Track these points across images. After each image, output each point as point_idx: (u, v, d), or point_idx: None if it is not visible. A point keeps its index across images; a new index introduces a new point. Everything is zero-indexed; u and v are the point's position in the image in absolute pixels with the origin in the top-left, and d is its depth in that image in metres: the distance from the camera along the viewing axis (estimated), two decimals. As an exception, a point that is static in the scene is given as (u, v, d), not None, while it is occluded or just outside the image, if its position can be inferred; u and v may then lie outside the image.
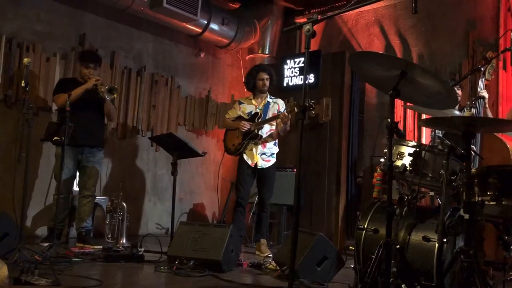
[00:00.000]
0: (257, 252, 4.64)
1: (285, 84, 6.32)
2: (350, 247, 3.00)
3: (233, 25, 6.47)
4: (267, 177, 4.67)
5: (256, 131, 4.61)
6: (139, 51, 5.99)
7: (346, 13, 6.34)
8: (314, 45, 6.71)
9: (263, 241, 4.68)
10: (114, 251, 3.94)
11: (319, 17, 2.46)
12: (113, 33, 5.72)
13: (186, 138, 6.05)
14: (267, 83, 4.71)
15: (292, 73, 6.33)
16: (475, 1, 5.47)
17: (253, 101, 4.79)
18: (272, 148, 4.71)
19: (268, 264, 3.80)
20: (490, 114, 4.11)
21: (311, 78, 6.04)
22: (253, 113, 4.72)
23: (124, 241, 4.43)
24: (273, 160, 4.70)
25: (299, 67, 6.32)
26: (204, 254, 3.52)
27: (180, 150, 4.21)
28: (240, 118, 4.74)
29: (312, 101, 4.19)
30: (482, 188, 2.24)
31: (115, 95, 4.51)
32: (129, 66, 5.84)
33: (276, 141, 4.77)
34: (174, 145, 4.23)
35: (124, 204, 4.57)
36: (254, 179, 4.71)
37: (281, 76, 6.32)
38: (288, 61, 6.35)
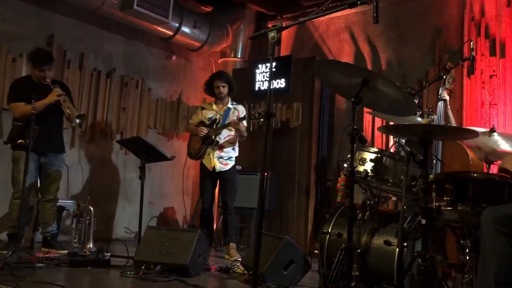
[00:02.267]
0: (226, 256, 4.65)
1: (256, 89, 6.35)
2: (315, 251, 3.04)
3: (205, 29, 6.47)
4: (227, 180, 4.76)
5: (213, 136, 4.72)
6: (109, 53, 5.93)
7: (317, 19, 6.42)
8: (285, 50, 6.79)
9: (232, 245, 4.70)
10: (80, 256, 3.87)
11: (284, 24, 2.50)
12: (82, 34, 5.64)
13: (157, 141, 6.06)
14: (223, 90, 4.80)
15: (264, 77, 6.36)
16: (441, 10, 5.62)
17: (214, 107, 4.90)
18: (230, 152, 4.81)
19: (236, 268, 3.81)
20: (452, 117, 4.23)
21: (283, 83, 6.09)
22: (213, 118, 4.83)
23: (91, 245, 4.38)
24: (231, 163, 4.79)
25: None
26: (171, 259, 3.50)
27: (148, 154, 4.18)
28: (202, 123, 4.85)
29: (262, 109, 4.46)
30: (439, 193, 2.30)
31: (82, 122, 4.42)
32: (99, 68, 5.77)
33: (236, 145, 4.87)
34: (142, 148, 4.21)
35: (91, 208, 4.52)
36: (216, 182, 4.85)
37: (253, 80, 6.35)
38: (260, 66, 6.38)
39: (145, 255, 3.58)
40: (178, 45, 6.53)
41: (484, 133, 2.94)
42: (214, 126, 4.77)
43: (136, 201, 6.02)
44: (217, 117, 4.81)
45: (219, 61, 6.93)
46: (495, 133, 2.93)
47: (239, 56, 6.83)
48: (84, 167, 5.67)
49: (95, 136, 5.74)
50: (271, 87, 2.42)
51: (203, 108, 5.01)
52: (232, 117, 4.75)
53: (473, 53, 3.69)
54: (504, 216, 2.00)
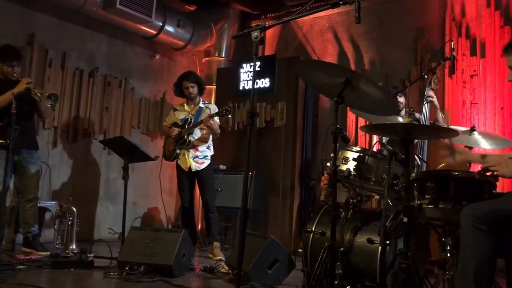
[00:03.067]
0: (210, 255, 4.65)
1: (241, 88, 6.34)
2: (299, 250, 3.05)
3: (189, 28, 6.45)
4: (204, 179, 4.80)
5: (186, 136, 4.74)
6: (91, 52, 5.87)
7: (301, 18, 6.44)
8: (270, 50, 6.80)
9: (216, 244, 4.70)
10: (62, 257, 3.83)
11: (267, 23, 2.50)
12: (64, 33, 5.58)
13: (140, 141, 6.02)
14: (193, 90, 4.83)
15: (248, 77, 6.34)
16: (423, 11, 5.68)
17: (186, 107, 4.93)
18: (205, 151, 4.84)
19: (220, 268, 3.81)
20: (441, 117, 4.28)
21: (267, 82, 6.09)
22: (185, 119, 4.86)
23: (74, 246, 4.34)
24: (207, 162, 4.82)
25: (256, 71, 6.36)
26: (155, 259, 3.49)
27: (131, 154, 4.15)
28: (175, 124, 4.88)
29: (229, 106, 4.60)
30: (421, 192, 2.33)
31: (55, 103, 4.30)
32: (81, 67, 5.71)
33: (210, 144, 4.91)
34: (125, 148, 4.18)
35: (74, 209, 4.48)
36: (193, 182, 4.87)
37: (237, 80, 6.34)
38: (244, 65, 6.37)
39: (128, 255, 3.56)
40: (162, 44, 6.50)
41: (464, 132, 2.99)
42: (186, 126, 4.79)
43: (120, 202, 5.95)
44: (189, 117, 4.84)
45: (203, 60, 6.91)
46: (475, 132, 2.98)
47: (223, 56, 6.82)
48: (67, 168, 5.61)
49: (78, 136, 5.68)
50: (255, 87, 2.42)
51: (175, 110, 5.03)
52: (204, 115, 4.76)
53: (454, 53, 3.74)
54: (484, 214, 2.03)
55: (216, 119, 4.75)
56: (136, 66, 6.37)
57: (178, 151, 4.80)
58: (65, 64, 5.54)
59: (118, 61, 6.15)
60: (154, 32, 6.12)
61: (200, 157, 4.79)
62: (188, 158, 4.76)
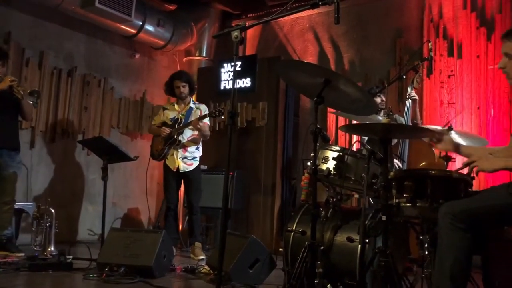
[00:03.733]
0: (192, 256, 4.64)
1: (222, 88, 6.33)
2: (280, 249, 3.06)
3: (169, 27, 6.41)
4: (191, 180, 4.76)
5: (176, 136, 4.69)
6: (70, 51, 5.79)
7: (281, 18, 6.46)
8: (251, 50, 6.80)
9: (197, 244, 4.69)
10: (40, 259, 3.77)
11: (248, 23, 2.51)
12: (42, 32, 5.49)
13: (120, 141, 5.96)
14: (184, 90, 4.80)
15: (229, 76, 6.34)
16: (402, 11, 5.76)
17: (176, 107, 4.89)
18: (194, 152, 4.80)
19: (201, 268, 3.80)
20: (419, 116, 4.35)
21: (248, 82, 6.10)
22: (175, 118, 4.81)
23: (52, 248, 4.27)
24: (195, 163, 4.79)
25: (236, 70, 6.36)
26: (135, 260, 3.46)
27: (110, 154, 4.10)
28: (165, 124, 4.83)
29: (222, 107, 4.59)
30: (399, 191, 2.36)
31: (37, 100, 4.25)
32: (59, 67, 5.63)
33: (200, 145, 4.87)
34: (104, 149, 4.13)
35: (52, 210, 4.40)
36: (180, 183, 4.82)
37: (218, 79, 6.33)
38: (225, 65, 6.36)
39: (108, 257, 3.52)
40: (142, 43, 6.45)
41: (442, 131, 3.04)
42: (176, 126, 4.75)
43: (99, 202, 5.88)
44: (179, 117, 4.79)
45: (184, 59, 6.88)
46: (452, 132, 3.03)
47: (204, 55, 6.79)
48: (45, 168, 5.52)
49: (56, 136, 5.59)
50: (235, 86, 2.43)
51: (165, 109, 4.98)
52: (195, 116, 4.74)
53: (432, 54, 3.81)
54: (460, 212, 2.06)
55: (207, 120, 4.73)
56: (116, 65, 6.31)
57: (167, 150, 4.75)
58: (42, 63, 5.45)
59: (97, 61, 6.08)
60: (134, 31, 6.07)
61: (189, 158, 4.75)
62: (177, 158, 4.71)
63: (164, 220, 4.81)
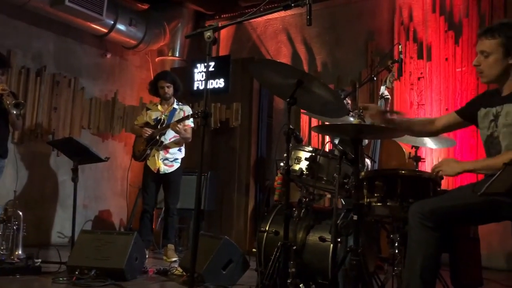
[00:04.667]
0: (164, 258, 4.60)
1: (195, 88, 6.29)
2: (253, 250, 3.07)
3: (142, 26, 6.34)
4: (171, 182, 4.70)
5: (158, 137, 4.64)
6: (39, 50, 5.65)
7: (255, 20, 6.48)
8: (224, 50, 6.80)
9: (170, 246, 4.65)
10: (7, 263, 3.67)
11: (220, 24, 2.51)
12: (9, 30, 5.34)
13: (91, 142, 5.85)
14: (169, 90, 4.74)
15: (203, 77, 6.31)
16: (373, 14, 5.85)
17: (160, 107, 4.83)
18: (175, 153, 4.74)
19: (174, 270, 3.77)
20: None
21: (221, 82, 6.08)
22: (158, 119, 4.75)
23: (20, 252, 4.15)
24: (176, 165, 4.72)
25: (209, 71, 6.33)
26: (106, 263, 3.40)
27: (81, 155, 4.02)
28: (147, 124, 4.76)
29: (201, 109, 4.38)
30: (370, 190, 2.40)
31: (21, 111, 4.16)
32: (28, 66, 5.49)
33: (182, 147, 4.79)
34: (74, 150, 4.04)
35: (20, 213, 4.28)
36: (160, 185, 4.74)
37: (191, 80, 6.30)
38: (198, 65, 6.34)
39: (79, 260, 3.45)
40: (113, 43, 6.35)
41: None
42: (159, 127, 4.69)
43: (70, 205, 5.76)
44: (163, 118, 4.73)
45: (157, 59, 6.81)
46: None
47: (177, 55, 6.75)
48: (13, 170, 5.36)
49: (25, 137, 5.45)
50: (208, 87, 2.42)
51: (148, 109, 4.90)
52: (178, 117, 4.68)
53: (402, 56, 3.88)
54: (429, 211, 2.11)
55: (190, 122, 4.67)
56: (86, 65, 6.20)
57: (149, 151, 4.68)
58: (10, 63, 5.29)
59: (67, 60, 5.96)
60: (105, 30, 5.98)
61: (170, 160, 4.69)
62: (158, 159, 4.64)
63: (139, 221, 4.73)
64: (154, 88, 4.79)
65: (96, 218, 6.24)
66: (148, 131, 4.65)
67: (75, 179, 3.97)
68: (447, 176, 2.28)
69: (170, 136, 4.71)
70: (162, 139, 4.67)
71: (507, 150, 2.17)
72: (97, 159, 4.16)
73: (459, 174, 2.25)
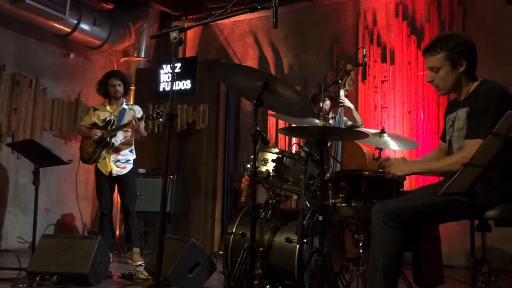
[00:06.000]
0: (130, 262, 4.52)
1: (161, 89, 6.22)
2: (220, 252, 3.06)
3: (106, 26, 6.23)
4: (125, 184, 4.62)
5: (108, 139, 4.54)
6: (-2, 49, 5.47)
7: (222, 21, 6.47)
8: (191, 51, 6.75)
9: (136, 249, 4.58)
10: (-37, 270, 3.53)
11: (186, 25, 2.49)
12: (-35, 27, 5.15)
13: (53, 144, 5.70)
14: (119, 89, 4.65)
15: (169, 78, 6.24)
16: (338, 18, 5.94)
17: (108, 108, 4.71)
18: (127, 155, 4.67)
19: (139, 274, 3.71)
20: (359, 119, 4.51)
21: (188, 84, 6.04)
22: (107, 119, 4.63)
23: (-23, 258, 4.01)
24: (129, 166, 4.66)
25: (176, 72, 6.28)
26: (69, 268, 3.32)
27: (42, 158, 3.91)
28: (95, 125, 4.63)
29: (160, 109, 4.46)
30: (335, 191, 2.43)
31: None
32: (-14, 65, 5.31)
33: (133, 147, 4.74)
34: (35, 152, 3.92)
35: (-23, 218, 4.14)
36: (114, 186, 4.67)
37: (157, 81, 6.23)
38: (164, 66, 6.27)
39: (40, 265, 3.35)
40: (77, 42, 6.21)
41: (375, 134, 3.18)
42: (109, 128, 4.57)
43: (31, 209, 5.59)
44: (112, 118, 4.62)
45: (121, 60, 6.71)
46: (385, 134, 3.17)
47: (142, 56, 6.66)
48: (-31, 173, 5.18)
49: (-18, 139, 5.27)
50: (174, 88, 2.40)
51: (95, 109, 4.76)
52: (128, 117, 4.59)
53: (366, 59, 3.95)
54: (392, 211, 2.15)
55: (142, 121, 4.59)
56: (49, 65, 6.03)
57: (98, 153, 4.56)
58: (-34, 61, 5.11)
59: (28, 60, 5.78)
60: (68, 30, 5.84)
61: (122, 161, 4.60)
62: (109, 162, 4.54)
63: (98, 226, 4.64)
64: (104, 87, 4.66)
65: (59, 222, 6.08)
66: (98, 133, 4.52)
67: (36, 182, 3.86)
68: (396, 175, 2.37)
69: (121, 137, 4.62)
70: (113, 140, 4.57)
71: (453, 154, 2.28)
72: (59, 162, 4.05)
73: (406, 175, 2.38)
